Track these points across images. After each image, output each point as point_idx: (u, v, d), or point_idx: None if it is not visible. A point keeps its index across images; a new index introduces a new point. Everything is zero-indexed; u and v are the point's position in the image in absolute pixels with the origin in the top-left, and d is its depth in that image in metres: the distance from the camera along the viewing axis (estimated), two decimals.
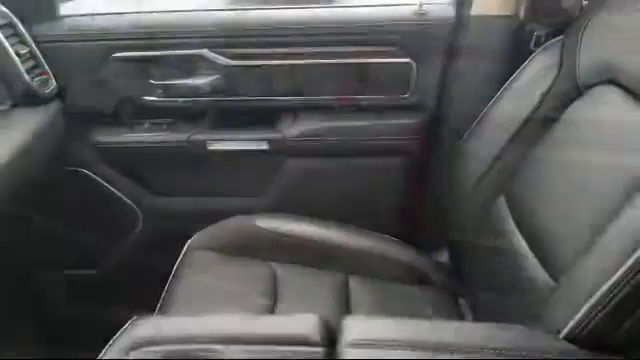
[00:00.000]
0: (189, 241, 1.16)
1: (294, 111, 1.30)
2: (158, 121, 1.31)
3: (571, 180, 0.87)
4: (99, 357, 0.62)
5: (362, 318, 0.67)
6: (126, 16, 1.26)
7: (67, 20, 1.24)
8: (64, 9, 1.25)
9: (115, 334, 0.65)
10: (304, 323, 0.65)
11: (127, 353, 0.58)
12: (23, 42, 1.17)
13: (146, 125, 1.30)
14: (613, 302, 0.64)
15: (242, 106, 1.29)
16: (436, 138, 1.30)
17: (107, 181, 1.33)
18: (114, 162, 1.33)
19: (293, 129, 1.29)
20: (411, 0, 1.23)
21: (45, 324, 1.45)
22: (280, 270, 1.12)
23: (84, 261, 1.42)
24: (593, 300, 0.65)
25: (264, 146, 1.29)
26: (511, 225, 0.97)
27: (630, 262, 0.63)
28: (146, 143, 1.29)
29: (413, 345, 0.61)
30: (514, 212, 0.98)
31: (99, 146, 1.30)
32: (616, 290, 0.64)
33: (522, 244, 0.92)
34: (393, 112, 1.29)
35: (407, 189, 1.33)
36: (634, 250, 0.63)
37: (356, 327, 0.63)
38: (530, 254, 0.88)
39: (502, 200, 1.03)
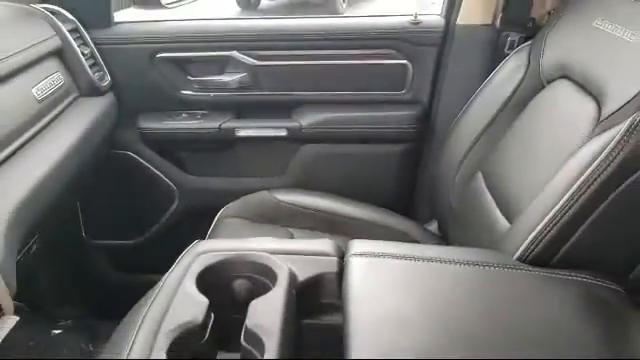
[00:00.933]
0: (220, 211, 1.38)
1: (308, 104, 1.53)
2: (194, 111, 1.53)
3: (529, 151, 1.09)
4: (169, 271, 0.83)
5: (365, 240, 0.88)
6: (168, 23, 1.50)
7: (120, 26, 1.49)
8: (117, 17, 1.50)
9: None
10: (323, 243, 0.88)
11: (189, 265, 0.79)
12: (85, 44, 1.40)
13: (183, 115, 1.53)
14: (553, 230, 0.86)
15: (264, 99, 1.52)
16: (428, 128, 1.52)
17: (149, 162, 1.56)
18: (155, 146, 1.56)
19: (307, 119, 1.52)
20: (408, 11, 1.46)
21: (95, 288, 1.66)
22: (297, 233, 1.34)
23: (128, 232, 1.64)
24: (538, 228, 0.87)
25: (283, 133, 1.52)
26: (485, 193, 1.19)
27: (565, 198, 0.85)
28: (183, 130, 1.52)
29: (405, 257, 0.83)
30: (488, 183, 1.20)
31: (143, 132, 1.52)
32: (556, 220, 0.85)
33: (492, 206, 1.14)
34: (392, 106, 1.51)
35: (404, 170, 1.55)
36: (569, 190, 0.85)
37: (360, 245, 0.86)
38: (497, 211, 1.11)
39: (479, 175, 1.25)
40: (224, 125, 1.52)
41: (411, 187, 1.58)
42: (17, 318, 0.79)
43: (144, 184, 1.57)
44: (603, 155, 0.84)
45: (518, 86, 1.24)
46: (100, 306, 1.56)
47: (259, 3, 7.70)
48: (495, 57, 1.36)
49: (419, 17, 1.45)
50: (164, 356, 0.61)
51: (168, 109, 1.53)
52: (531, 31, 1.33)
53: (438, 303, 0.75)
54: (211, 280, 0.75)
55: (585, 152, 0.88)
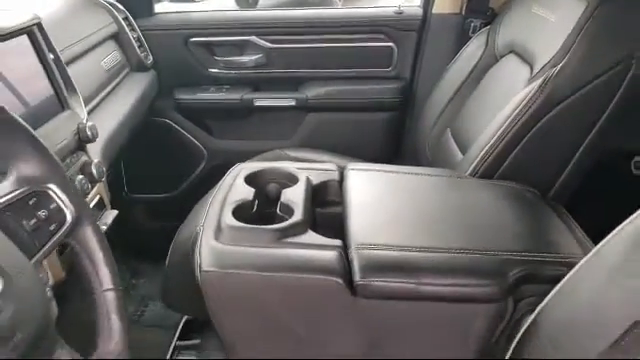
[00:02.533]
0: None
1: (313, 79, 1.87)
2: (219, 86, 1.87)
3: (484, 107, 1.43)
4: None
5: (358, 162, 1.21)
6: (198, 13, 1.85)
7: (159, 16, 1.83)
8: (157, 8, 1.84)
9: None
10: (329, 164, 1.23)
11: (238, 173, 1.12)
12: (134, 30, 1.75)
13: (211, 89, 1.87)
14: (494, 153, 1.20)
15: (277, 76, 1.86)
16: (410, 98, 1.87)
17: (182, 128, 1.89)
18: (188, 114, 1.89)
19: (312, 92, 1.86)
20: (394, 2, 1.82)
21: (134, 235, 1.99)
22: None
23: (163, 187, 1.97)
24: (482, 153, 1.21)
25: (292, 103, 1.86)
26: (452, 143, 1.54)
27: (502, 129, 1.19)
28: (211, 101, 1.85)
29: (386, 170, 1.18)
30: (454, 135, 1.55)
31: (178, 102, 1.86)
32: (495, 145, 1.19)
33: (457, 152, 1.49)
34: (380, 80, 1.86)
35: (390, 133, 1.90)
36: (504, 123, 1.20)
37: (355, 164, 1.20)
38: (460, 154, 1.45)
39: (448, 131, 1.60)
40: (244, 97, 1.86)
41: (396, 147, 1.92)
42: (117, 212, 1.12)
43: (177, 146, 1.91)
44: (527, 98, 1.19)
45: (478, 61, 1.58)
46: (139, 249, 1.89)
47: (257, 2, 8.07)
48: (462, 39, 1.71)
49: (402, 8, 1.80)
50: (230, 217, 0.95)
51: (198, 84, 1.87)
52: (490, 18, 1.68)
53: (408, 197, 1.10)
54: (252, 182, 1.10)
55: (517, 98, 1.24)
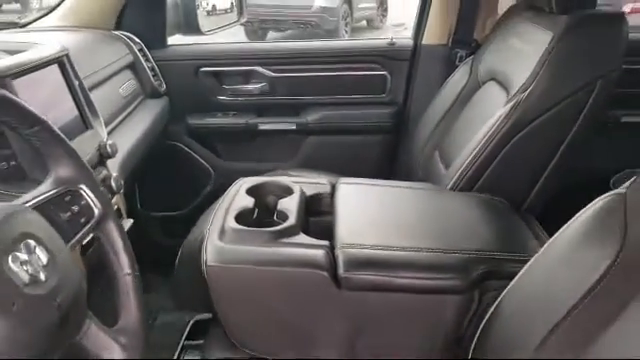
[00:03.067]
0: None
1: (312, 105, 2.01)
2: (227, 112, 2.03)
3: (467, 129, 1.57)
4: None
5: (349, 178, 1.35)
6: (208, 45, 2.02)
7: (172, 48, 2.00)
8: (169, 41, 2.01)
9: None
10: (321, 178, 1.37)
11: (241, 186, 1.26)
12: (148, 60, 1.91)
13: (219, 114, 2.02)
14: (472, 169, 1.33)
15: (279, 102, 2.02)
16: (402, 122, 2.01)
17: (192, 150, 2.04)
18: (197, 138, 2.04)
19: (311, 116, 2.00)
20: (386, 35, 1.97)
21: (146, 249, 2.12)
22: None
23: (174, 205, 2.12)
24: (461, 169, 1.35)
25: (293, 127, 2.01)
26: (439, 163, 1.67)
27: (478, 148, 1.33)
28: (218, 125, 2.01)
29: (375, 184, 1.32)
30: (441, 156, 1.68)
31: (189, 127, 2.02)
32: (473, 162, 1.33)
33: (443, 170, 1.62)
34: (375, 106, 2.00)
35: (384, 154, 2.03)
36: (481, 142, 1.33)
37: (345, 179, 1.34)
38: (445, 171, 1.59)
39: (436, 153, 1.73)
40: (249, 121, 2.01)
41: (390, 167, 2.06)
42: (132, 220, 1.26)
43: (188, 167, 2.06)
44: (501, 119, 1.33)
45: (463, 88, 1.73)
46: (150, 263, 2.02)
47: (266, 35, 8.37)
48: (449, 68, 1.86)
49: (394, 40, 1.96)
50: (233, 221, 1.09)
51: (208, 110, 2.02)
52: (474, 48, 1.83)
53: (390, 207, 1.24)
54: (253, 193, 1.24)
55: (492, 119, 1.38)
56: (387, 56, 1.96)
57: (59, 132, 0.76)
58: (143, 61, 1.85)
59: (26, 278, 0.59)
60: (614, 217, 0.83)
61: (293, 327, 1.04)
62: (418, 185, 1.38)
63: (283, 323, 1.04)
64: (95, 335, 0.71)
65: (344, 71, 1.97)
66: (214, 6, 2.15)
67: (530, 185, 1.38)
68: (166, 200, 2.09)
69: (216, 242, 1.04)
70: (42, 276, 0.61)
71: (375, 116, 2.00)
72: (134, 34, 1.88)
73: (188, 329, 1.44)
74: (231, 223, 1.08)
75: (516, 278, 0.93)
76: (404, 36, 2.00)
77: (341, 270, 0.99)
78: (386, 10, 10.00)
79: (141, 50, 1.88)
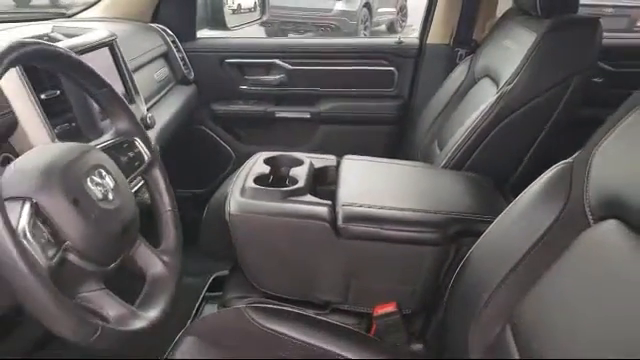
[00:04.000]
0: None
1: (325, 96, 2.22)
2: (247, 100, 2.24)
3: (460, 120, 1.77)
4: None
5: (353, 155, 1.56)
6: (232, 39, 2.23)
7: (200, 40, 2.22)
8: (198, 34, 2.23)
9: None
10: (328, 155, 1.57)
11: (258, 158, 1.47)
12: (179, 50, 2.12)
13: (240, 102, 2.24)
14: (461, 150, 1.52)
15: (296, 93, 2.22)
16: (407, 113, 2.21)
17: (215, 134, 2.26)
18: (221, 123, 2.25)
19: (324, 107, 2.21)
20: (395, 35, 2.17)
21: None
22: None
23: (197, 183, 2.33)
24: (452, 150, 1.54)
25: (307, 116, 2.21)
26: (437, 150, 1.86)
27: (468, 131, 1.53)
28: (240, 112, 2.22)
29: (375, 160, 1.52)
30: (439, 144, 1.88)
31: (213, 113, 2.24)
32: (463, 143, 1.51)
33: (438, 154, 1.81)
34: (383, 99, 2.20)
35: (390, 143, 2.23)
36: (470, 126, 1.53)
37: (350, 155, 1.54)
38: (439, 153, 1.78)
39: (435, 141, 1.93)
40: (268, 109, 2.22)
41: (394, 154, 2.25)
42: None
43: (211, 149, 2.27)
44: (487, 109, 1.52)
45: (462, 83, 1.92)
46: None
47: (286, 36, 8.61)
48: (450, 65, 2.05)
49: (402, 39, 2.16)
50: (252, 183, 1.29)
51: (231, 98, 2.23)
52: (473, 48, 2.02)
53: (386, 178, 1.44)
54: (269, 163, 1.44)
55: (481, 108, 1.57)
56: (395, 53, 2.16)
57: (120, 95, 0.97)
58: (175, 51, 2.06)
59: (100, 195, 0.80)
60: (562, 181, 1.02)
61: (300, 269, 1.24)
62: (414, 164, 1.58)
63: (291, 265, 1.24)
64: (144, 252, 0.92)
65: (355, 66, 2.17)
66: (239, 5, 2.38)
67: (513, 167, 1.57)
68: (190, 178, 2.29)
69: (238, 198, 1.25)
70: (110, 196, 0.82)
71: (383, 108, 2.20)
72: (168, 27, 2.09)
73: (209, 284, 1.65)
74: (250, 184, 1.29)
75: (484, 233, 1.12)
76: (411, 36, 2.20)
77: (340, 222, 1.20)
78: (405, 15, 10.20)
79: (173, 41, 2.09)
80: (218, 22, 2.20)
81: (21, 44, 0.78)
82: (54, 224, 0.73)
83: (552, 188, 1.04)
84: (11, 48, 0.76)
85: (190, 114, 2.12)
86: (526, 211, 1.07)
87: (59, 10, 2.08)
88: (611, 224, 0.87)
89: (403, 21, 10.09)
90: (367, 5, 8.83)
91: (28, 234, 0.68)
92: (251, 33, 2.38)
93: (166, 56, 2.03)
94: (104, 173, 0.83)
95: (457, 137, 1.57)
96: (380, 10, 9.28)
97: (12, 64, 0.75)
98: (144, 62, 1.80)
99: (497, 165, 1.55)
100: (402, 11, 10.12)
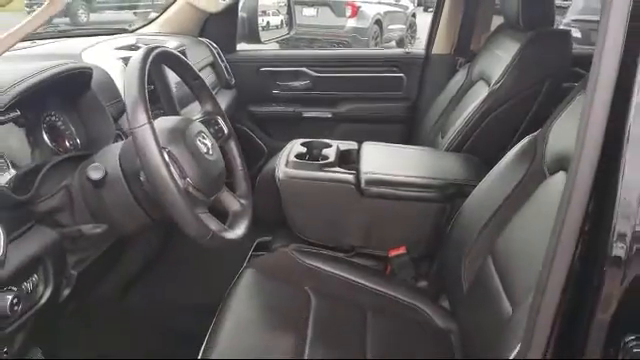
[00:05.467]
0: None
1: (344, 99, 2.60)
2: (278, 102, 2.63)
3: (458, 116, 2.14)
4: None
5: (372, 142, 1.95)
6: (266, 51, 2.63)
7: (239, 52, 2.62)
8: (238, 47, 2.63)
9: None
10: (351, 142, 1.95)
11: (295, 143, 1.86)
12: (223, 61, 2.52)
13: (273, 104, 2.63)
14: (463, 133, 1.91)
15: (319, 96, 2.60)
16: (415, 114, 2.58)
17: (251, 131, 2.65)
18: (255, 122, 2.65)
19: (344, 107, 2.59)
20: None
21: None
22: None
23: None
24: (455, 133, 1.92)
25: (329, 115, 2.60)
26: (440, 140, 2.23)
27: (467, 118, 1.91)
28: (272, 113, 2.61)
29: (392, 145, 1.90)
30: (442, 136, 2.25)
31: (249, 113, 2.63)
32: (463, 127, 1.91)
33: (440, 141, 2.18)
34: (393, 100, 2.58)
35: (400, 139, 2.58)
36: (466, 117, 1.91)
37: (370, 142, 1.92)
38: (441, 141, 2.15)
39: (439, 135, 2.30)
40: (296, 110, 2.61)
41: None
42: None
43: (247, 144, 2.62)
44: (479, 104, 1.90)
45: (461, 86, 2.30)
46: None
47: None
48: (451, 71, 2.43)
49: (410, 50, 2.55)
50: (294, 157, 1.67)
51: (264, 100, 2.62)
52: (470, 57, 2.40)
53: (398, 157, 1.81)
54: (305, 146, 1.82)
55: (474, 104, 1.95)
56: (404, 62, 2.54)
57: (207, 85, 1.36)
58: (219, 61, 2.46)
59: (204, 150, 1.18)
60: (529, 149, 1.39)
61: (331, 221, 1.62)
62: (421, 148, 1.96)
63: (325, 218, 1.62)
64: (227, 195, 1.30)
65: (370, 73, 2.56)
66: (268, 22, 2.79)
67: (500, 150, 1.93)
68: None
69: (284, 169, 1.64)
70: (210, 152, 1.20)
71: (393, 109, 2.58)
72: (213, 41, 2.49)
73: (254, 247, 2.03)
74: (293, 159, 1.67)
75: (472, 192, 1.50)
76: (417, 47, 2.59)
77: (363, 185, 1.58)
78: (415, 31, 10.64)
79: (218, 53, 2.49)
80: (253, 37, 2.61)
81: (152, 49, 1.17)
82: (180, 165, 1.11)
83: (522, 155, 1.42)
84: (147, 52, 1.15)
85: (231, 114, 2.50)
86: (502, 172, 1.44)
87: (122, 26, 2.49)
88: (560, 175, 1.24)
89: (412, 37, 10.52)
90: (378, 22, 9.27)
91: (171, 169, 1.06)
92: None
93: (213, 65, 2.42)
94: (205, 136, 1.22)
95: (456, 127, 1.95)
96: (390, 27, 9.71)
97: (148, 63, 1.14)
98: (198, 69, 2.18)
99: (487, 149, 1.92)
100: (412, 27, 10.55)
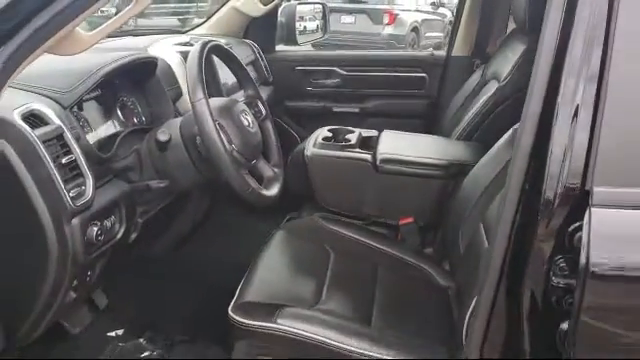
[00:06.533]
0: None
1: (371, 95, 2.87)
2: (312, 98, 2.92)
3: (472, 108, 2.39)
4: None
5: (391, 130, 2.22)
6: (302, 52, 2.93)
7: (278, 53, 2.92)
8: (277, 48, 2.93)
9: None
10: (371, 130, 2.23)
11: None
12: (262, 60, 2.82)
13: (306, 100, 2.92)
14: (473, 124, 2.17)
15: (348, 92, 2.88)
16: (436, 110, 2.83)
17: (286, 124, 2.94)
18: (290, 115, 2.94)
19: (371, 103, 2.86)
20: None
21: None
22: None
23: None
24: (465, 123, 2.18)
25: (357, 110, 2.86)
26: (454, 130, 2.48)
27: (474, 114, 2.17)
28: (306, 107, 2.90)
29: (410, 132, 2.17)
30: (456, 127, 2.50)
31: (285, 107, 2.92)
32: (473, 118, 2.16)
33: (453, 132, 2.43)
34: (416, 98, 2.82)
35: (422, 131, 2.86)
36: (475, 110, 2.17)
37: (389, 130, 2.19)
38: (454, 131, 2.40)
39: (455, 128, 2.54)
40: (327, 105, 2.88)
41: None
42: None
43: (283, 135, 2.85)
44: (487, 99, 2.15)
45: (476, 85, 2.53)
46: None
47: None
48: (469, 72, 2.67)
49: (433, 52, 2.81)
50: (321, 140, 1.95)
51: (299, 96, 2.91)
52: (486, 59, 2.64)
53: (413, 142, 2.08)
54: (331, 132, 2.10)
55: (483, 99, 2.20)
56: (427, 63, 2.80)
57: (251, 75, 1.66)
58: (260, 60, 2.76)
59: (247, 124, 1.48)
60: (512, 137, 1.64)
61: (352, 193, 1.90)
62: (433, 136, 2.22)
63: (346, 191, 1.90)
64: (263, 163, 1.59)
65: (395, 72, 2.82)
66: (305, 27, 3.09)
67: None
68: None
69: (312, 148, 1.92)
70: (251, 125, 1.50)
71: (416, 105, 2.84)
72: (254, 42, 2.80)
73: (285, 221, 2.32)
74: (320, 140, 1.96)
75: (469, 172, 1.75)
76: (439, 51, 2.84)
77: (378, 162, 1.85)
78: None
79: (259, 53, 2.79)
80: (291, 39, 2.91)
81: (208, 42, 1.47)
82: (227, 134, 1.41)
83: (508, 142, 1.66)
84: (204, 44, 1.45)
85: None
86: (492, 157, 1.69)
87: (175, 28, 2.83)
88: None
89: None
90: (415, 29, 9.50)
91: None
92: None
93: (253, 63, 2.72)
94: (247, 114, 1.52)
95: (467, 118, 2.20)
96: (428, 34, 9.92)
97: (205, 54, 1.44)
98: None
99: (493, 138, 2.15)
100: (449, 35, 10.72)
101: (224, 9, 2.72)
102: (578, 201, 0.94)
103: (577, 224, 0.94)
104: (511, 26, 2.68)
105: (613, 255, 0.92)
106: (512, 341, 1.06)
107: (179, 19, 12.34)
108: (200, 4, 10.33)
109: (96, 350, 1.80)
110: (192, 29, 2.77)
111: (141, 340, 1.87)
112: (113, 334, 1.90)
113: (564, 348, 0.97)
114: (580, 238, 0.93)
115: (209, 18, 2.78)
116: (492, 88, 2.29)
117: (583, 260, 0.90)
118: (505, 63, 2.31)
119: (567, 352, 0.97)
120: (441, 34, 10.41)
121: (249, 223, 2.11)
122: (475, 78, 2.56)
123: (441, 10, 10.65)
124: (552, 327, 1.00)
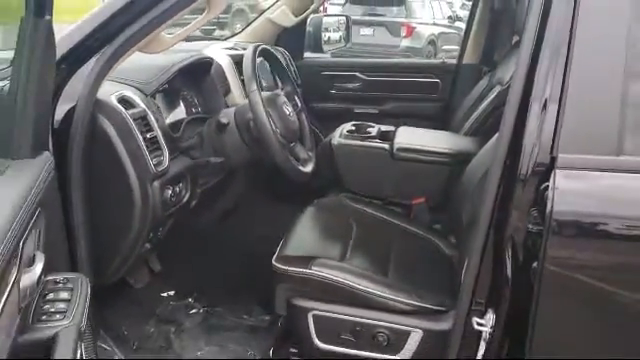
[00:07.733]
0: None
1: (389, 98, 3.20)
2: (335, 100, 3.25)
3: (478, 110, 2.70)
4: None
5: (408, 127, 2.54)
6: (327, 59, 3.27)
7: (305, 59, 3.26)
8: (305, 55, 3.27)
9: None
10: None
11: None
12: (293, 65, 3.16)
13: (330, 102, 3.25)
14: (478, 121, 2.48)
15: (368, 95, 3.21)
16: (447, 113, 3.14)
17: (312, 124, 3.26)
18: (316, 115, 3.25)
19: (389, 105, 3.18)
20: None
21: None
22: None
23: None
24: (472, 119, 2.49)
25: (376, 111, 3.18)
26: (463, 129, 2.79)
27: (479, 114, 2.48)
28: (330, 108, 3.22)
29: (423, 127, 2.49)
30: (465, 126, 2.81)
31: (312, 108, 3.22)
32: (479, 115, 2.48)
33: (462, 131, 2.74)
34: (429, 101, 3.14)
35: None
36: (480, 111, 2.48)
37: (405, 127, 2.51)
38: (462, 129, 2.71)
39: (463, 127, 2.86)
40: (348, 107, 3.21)
41: None
42: None
43: None
44: (490, 101, 2.46)
45: (483, 90, 2.85)
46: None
47: None
48: (477, 77, 2.98)
49: (445, 60, 3.13)
50: (346, 132, 2.28)
51: (324, 98, 3.24)
52: (493, 66, 2.95)
53: (427, 135, 2.39)
54: (354, 126, 2.43)
55: (487, 101, 2.51)
56: (439, 69, 3.12)
57: (290, 74, 1.99)
58: (290, 65, 3.10)
59: (287, 113, 1.81)
60: None
61: (372, 176, 2.22)
62: (443, 132, 2.54)
63: (367, 175, 2.22)
64: (299, 147, 1.92)
65: (411, 78, 3.15)
66: (329, 37, 3.43)
67: None
68: None
69: (338, 138, 2.25)
70: (291, 114, 1.83)
71: (429, 108, 3.15)
72: (285, 49, 3.14)
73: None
74: (345, 132, 2.29)
75: (472, 160, 2.06)
76: (450, 58, 3.16)
77: (395, 151, 2.17)
78: None
79: (289, 59, 3.12)
80: (317, 48, 3.25)
81: (259, 45, 1.80)
82: (274, 120, 1.74)
83: None
84: (256, 47, 1.78)
85: None
86: (490, 147, 1.99)
87: (216, 37, 3.19)
88: None
89: None
90: (432, 42, 9.83)
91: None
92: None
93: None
94: (287, 105, 1.85)
95: (474, 118, 2.51)
96: (445, 47, 10.23)
97: (257, 54, 1.77)
98: None
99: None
100: None
101: (259, 20, 3.07)
102: (547, 166, 1.26)
103: (546, 184, 1.25)
104: (516, 37, 2.99)
105: (571, 206, 1.23)
106: (497, 282, 1.36)
107: (201, 30, 12.91)
108: (222, 15, 10.72)
109: (152, 306, 2.13)
110: (231, 37, 3.12)
111: (190, 299, 2.19)
112: (165, 294, 2.23)
113: (537, 283, 1.28)
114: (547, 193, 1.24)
115: (245, 27, 3.13)
116: (496, 92, 2.60)
117: (548, 209, 1.22)
118: (508, 70, 2.61)
119: (538, 287, 1.27)
120: (457, 47, 10.69)
121: (281, 206, 2.43)
122: (483, 83, 2.87)
123: (457, 24, 10.96)
124: (528, 268, 1.31)
